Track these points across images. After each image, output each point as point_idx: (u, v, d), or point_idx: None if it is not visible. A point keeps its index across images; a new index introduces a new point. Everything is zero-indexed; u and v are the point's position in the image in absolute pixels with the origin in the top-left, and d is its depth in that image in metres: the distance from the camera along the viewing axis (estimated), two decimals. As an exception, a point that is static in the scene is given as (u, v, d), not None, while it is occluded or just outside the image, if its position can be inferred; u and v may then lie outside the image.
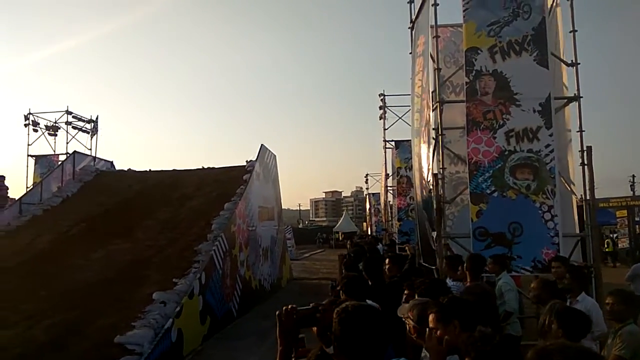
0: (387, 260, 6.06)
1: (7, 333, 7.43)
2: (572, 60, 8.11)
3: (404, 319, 2.89)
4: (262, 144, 15.73)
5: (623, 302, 3.91)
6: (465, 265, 5.57)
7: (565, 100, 8.31)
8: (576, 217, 8.14)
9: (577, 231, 7.93)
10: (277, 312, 2.19)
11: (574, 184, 8.22)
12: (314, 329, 2.37)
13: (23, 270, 10.33)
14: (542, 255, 7.29)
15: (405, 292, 4.20)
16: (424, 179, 8.98)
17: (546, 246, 7.30)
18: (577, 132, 7.98)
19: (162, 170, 17.79)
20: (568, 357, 1.42)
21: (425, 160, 8.95)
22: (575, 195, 8.29)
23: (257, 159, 15.19)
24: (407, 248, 10.02)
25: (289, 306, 2.23)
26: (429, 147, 8.76)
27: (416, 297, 3.53)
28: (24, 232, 12.87)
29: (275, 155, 17.56)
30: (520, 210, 7.41)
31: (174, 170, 17.68)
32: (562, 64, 8.37)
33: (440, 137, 8.46)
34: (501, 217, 7.41)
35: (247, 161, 15.78)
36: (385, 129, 25.70)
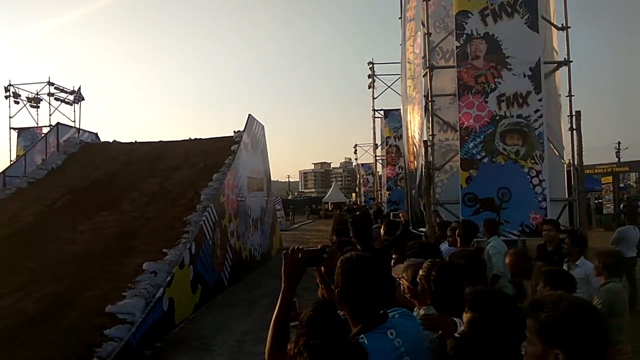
0: (382, 225, 6.08)
1: (-5, 305, 7.39)
2: (562, 24, 8.01)
3: (398, 280, 2.88)
4: (249, 114, 15.50)
5: (606, 262, 4.01)
6: (457, 231, 5.59)
7: (555, 65, 8.26)
8: (565, 182, 8.20)
9: (566, 196, 8.01)
10: (283, 252, 2.19)
11: (564, 149, 8.25)
12: (322, 269, 2.37)
13: (9, 243, 10.21)
14: (529, 219, 7.36)
15: (394, 256, 4.19)
16: (415, 146, 8.94)
17: (534, 210, 7.36)
18: (567, 96, 7.96)
19: (148, 142, 17.51)
20: (559, 307, 1.41)
21: (417, 127, 8.89)
22: (564, 160, 8.33)
23: (244, 129, 14.98)
24: (401, 215, 10.06)
25: (296, 246, 2.22)
26: (421, 113, 8.70)
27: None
28: (9, 205, 12.68)
29: (263, 126, 17.34)
30: (509, 175, 7.43)
31: (160, 141, 17.41)
32: (552, 27, 8.28)
33: (430, 103, 8.39)
34: (490, 182, 7.43)
35: (234, 132, 15.56)
36: (374, 98, 25.55)
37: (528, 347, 1.46)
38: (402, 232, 6.65)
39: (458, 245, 5.43)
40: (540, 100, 7.45)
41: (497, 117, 7.49)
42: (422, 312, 2.64)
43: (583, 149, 7.84)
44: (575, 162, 7.89)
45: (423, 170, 8.26)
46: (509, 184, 7.40)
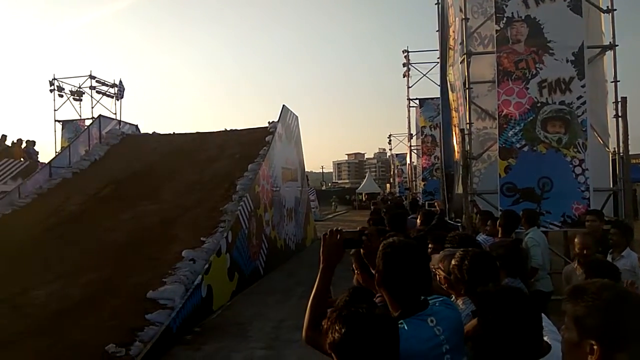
0: (419, 215, 6.04)
1: (44, 290, 7.75)
2: (607, 7, 7.68)
3: (434, 270, 2.84)
4: (283, 105, 15.57)
5: None
6: (498, 221, 5.48)
7: (600, 49, 7.93)
8: (610, 171, 7.90)
9: (611, 186, 7.71)
10: (322, 234, 2.21)
11: (609, 137, 7.94)
12: (361, 251, 2.37)
13: (56, 232, 10.66)
14: (572, 210, 7.13)
15: (430, 245, 4.14)
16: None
17: (576, 201, 7.13)
18: (612, 82, 7.64)
19: (186, 133, 17.88)
20: (601, 298, 1.36)
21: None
22: (609, 149, 8.01)
23: (279, 120, 15.07)
24: (436, 204, 9.90)
25: (334, 228, 2.22)
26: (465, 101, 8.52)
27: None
28: (55, 194, 13.21)
29: (297, 116, 17.39)
30: (550, 164, 7.22)
31: (197, 132, 17.74)
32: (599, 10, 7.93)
33: (467, 91, 8.21)
34: (530, 172, 7.24)
35: (269, 122, 15.69)
36: (409, 87, 25.18)
37: (565, 332, 1.44)
38: (437, 221, 6.57)
39: (499, 236, 5.33)
40: (583, 86, 7.18)
41: (539, 104, 7.26)
42: (460, 302, 2.61)
43: (629, 137, 7.52)
44: (621, 151, 7.58)
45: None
46: (550, 174, 7.19)
